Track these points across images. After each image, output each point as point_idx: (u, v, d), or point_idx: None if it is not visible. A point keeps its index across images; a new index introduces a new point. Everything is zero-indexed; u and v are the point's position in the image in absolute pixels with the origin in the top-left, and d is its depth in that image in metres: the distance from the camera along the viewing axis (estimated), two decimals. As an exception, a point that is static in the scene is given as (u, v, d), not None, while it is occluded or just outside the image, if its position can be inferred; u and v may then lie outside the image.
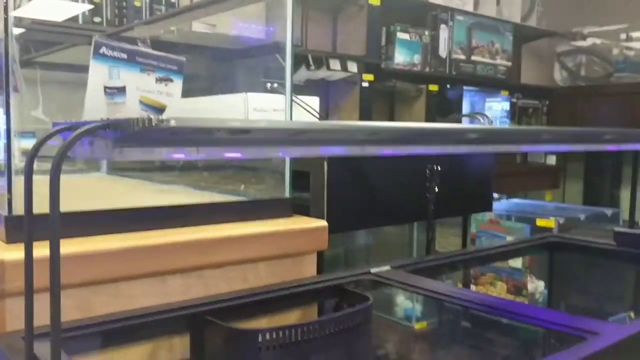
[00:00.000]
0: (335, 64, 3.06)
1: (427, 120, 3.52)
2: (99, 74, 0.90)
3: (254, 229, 0.99)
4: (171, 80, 0.99)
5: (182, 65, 1.01)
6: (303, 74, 3.06)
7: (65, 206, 0.98)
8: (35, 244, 0.85)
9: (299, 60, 2.93)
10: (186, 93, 2.60)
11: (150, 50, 0.96)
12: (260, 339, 0.82)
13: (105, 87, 0.91)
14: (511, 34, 3.80)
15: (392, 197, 1.26)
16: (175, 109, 1.01)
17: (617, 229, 1.36)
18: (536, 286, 2.67)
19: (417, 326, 1.43)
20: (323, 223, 1.07)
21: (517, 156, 4.53)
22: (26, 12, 2.19)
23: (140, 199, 1.19)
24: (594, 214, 2.74)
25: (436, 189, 1.19)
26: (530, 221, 2.54)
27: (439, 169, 1.19)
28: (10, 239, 0.84)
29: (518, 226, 2.60)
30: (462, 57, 3.60)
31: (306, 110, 1.87)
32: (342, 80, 3.22)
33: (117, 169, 1.78)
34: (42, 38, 2.30)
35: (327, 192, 1.15)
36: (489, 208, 1.58)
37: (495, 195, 3.33)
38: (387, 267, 1.10)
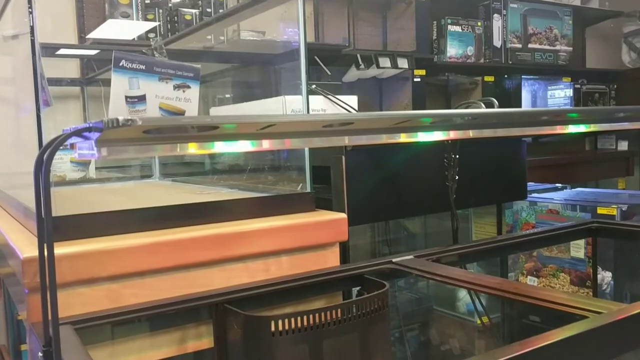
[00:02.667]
0: (385, 62, 3.08)
1: (484, 112, 3.46)
2: (120, 84, 0.98)
3: (273, 222, 1.04)
4: (188, 87, 1.06)
5: (198, 72, 1.08)
6: (354, 73, 3.09)
7: (105, 206, 1.07)
8: (71, 243, 0.94)
9: (349, 60, 2.97)
10: (235, 99, 2.70)
11: (167, 60, 1.03)
12: (273, 325, 0.87)
13: (127, 97, 0.99)
14: (570, 18, 3.67)
15: (413, 187, 1.28)
16: (193, 112, 1.07)
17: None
18: (603, 277, 2.57)
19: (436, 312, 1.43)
20: (342, 215, 1.10)
21: (586, 143, 4.36)
22: (99, 33, 2.35)
23: (174, 199, 1.27)
24: (662, 200, 2.61)
25: (456, 178, 1.20)
26: (591, 210, 2.46)
27: (457, 157, 1.20)
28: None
29: (578, 215, 2.51)
30: (518, 45, 3.51)
31: (345, 109, 1.91)
32: (393, 77, 3.23)
33: (169, 174, 1.89)
34: (104, 57, 2.46)
35: (347, 185, 1.18)
36: (523, 197, 1.56)
37: (559, 185, 3.24)
38: (410, 257, 1.12)
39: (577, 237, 1.45)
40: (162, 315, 0.90)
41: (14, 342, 2.07)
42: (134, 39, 2.41)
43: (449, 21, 3.32)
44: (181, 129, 0.55)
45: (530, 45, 3.57)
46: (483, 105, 1.20)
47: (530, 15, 3.56)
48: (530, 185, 3.24)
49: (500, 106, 3.81)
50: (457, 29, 3.37)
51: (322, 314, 0.90)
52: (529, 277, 2.68)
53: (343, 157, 1.16)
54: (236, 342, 0.91)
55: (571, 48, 3.72)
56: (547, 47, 3.64)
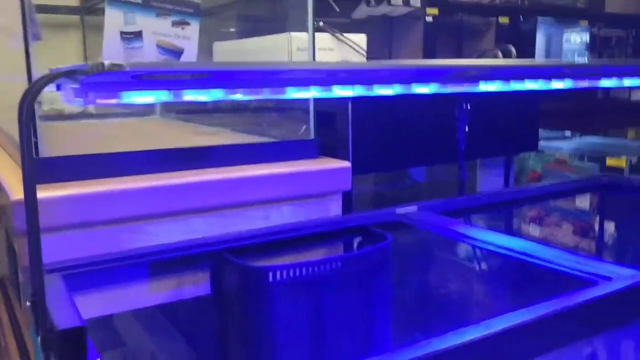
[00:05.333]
0: (396, -1, 2.96)
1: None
2: (114, 19, 0.93)
3: (274, 169, 1.01)
4: (188, 24, 1.00)
5: (198, 7, 1.02)
6: (364, 9, 2.98)
7: (100, 148, 1.04)
8: (68, 184, 0.91)
9: (355, -4, 2.85)
10: (241, 34, 2.61)
11: None
12: (270, 276, 0.85)
13: (122, 33, 0.93)
14: (593, -42, 3.51)
15: (421, 137, 1.23)
16: (192, 51, 1.02)
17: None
18: (609, 232, 2.56)
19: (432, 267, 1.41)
20: (346, 164, 1.07)
21: (598, 92, 4.26)
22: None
23: (172, 141, 1.23)
24: (674, 152, 2.56)
25: (466, 129, 1.16)
26: (600, 160, 2.42)
27: (469, 107, 1.15)
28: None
29: (586, 165, 2.48)
30: (536, -15, 3.37)
31: (353, 49, 1.83)
32: (404, 15, 3.11)
33: (171, 111, 1.84)
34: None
35: (352, 133, 1.14)
36: (534, 148, 1.51)
37: (568, 133, 3.18)
38: (413, 208, 1.09)
39: (589, 192, 1.41)
40: (157, 262, 0.88)
41: (17, 275, 2.08)
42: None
43: (465, -42, 3.16)
44: (172, 76, 0.51)
45: (548, -14, 3.42)
46: (500, 54, 1.14)
47: (551, -46, 3.40)
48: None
49: (515, 48, 3.69)
50: (474, -34, 3.22)
51: (322, 265, 0.88)
52: (531, 224, 2.67)
53: (349, 104, 1.12)
54: (233, 292, 0.89)
55: (591, -10, 3.57)
56: (565, -12, 3.49)
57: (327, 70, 0.72)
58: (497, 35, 3.34)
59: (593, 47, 3.70)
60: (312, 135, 1.09)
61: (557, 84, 0.94)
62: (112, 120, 1.67)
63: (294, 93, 0.68)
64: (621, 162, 2.30)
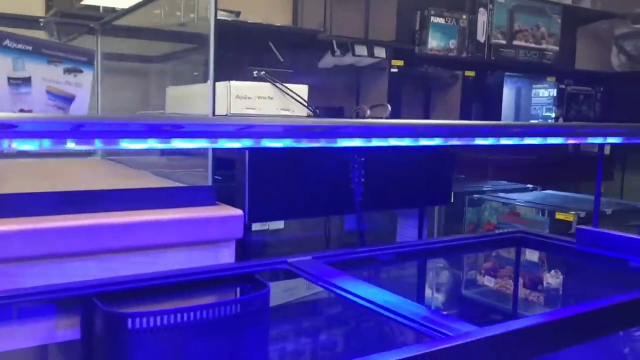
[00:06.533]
0: (361, 50, 3.04)
1: (462, 107, 3.42)
2: (2, 65, 0.96)
3: (160, 215, 1.02)
4: (80, 71, 1.03)
5: (92, 56, 1.05)
6: (329, 59, 3.05)
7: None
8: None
9: (325, 46, 2.92)
10: (195, 79, 2.65)
11: (57, 42, 1.00)
12: (129, 323, 0.85)
13: (9, 78, 0.97)
14: (559, 16, 3.61)
15: (319, 187, 1.25)
16: (84, 98, 1.05)
17: (579, 227, 1.29)
18: (554, 281, 2.56)
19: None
20: (238, 212, 1.08)
21: (569, 145, 4.31)
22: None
23: (79, 183, 1.25)
24: (627, 208, 2.58)
25: (362, 180, 1.18)
26: (550, 214, 2.44)
27: (362, 159, 1.17)
28: None
29: (538, 218, 2.49)
30: (503, 41, 3.45)
31: (295, 100, 1.87)
32: (371, 66, 3.18)
33: (112, 153, 1.87)
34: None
35: (249, 180, 1.16)
36: (446, 201, 1.53)
37: (530, 185, 3.20)
38: (308, 257, 1.10)
39: (501, 247, 1.42)
40: (26, 304, 0.89)
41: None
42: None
43: (432, 12, 3.25)
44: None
45: (515, 42, 3.51)
46: (389, 108, 1.18)
47: (517, 12, 3.50)
48: (501, 184, 3.22)
49: (481, 103, 3.75)
50: (441, 20, 3.31)
51: (186, 313, 0.88)
52: (486, 276, 2.67)
53: (247, 152, 1.14)
54: (98, 337, 0.89)
55: (558, 47, 3.66)
56: (532, 45, 3.58)
57: (214, 124, 0.74)
58: (463, 87, 3.41)
59: (560, 102, 3.77)
60: (209, 182, 1.11)
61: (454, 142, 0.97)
62: (46, 160, 1.69)
63: (179, 143, 0.71)
64: (569, 217, 2.32)
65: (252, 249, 1.92)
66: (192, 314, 0.88)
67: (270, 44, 1.93)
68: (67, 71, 1.01)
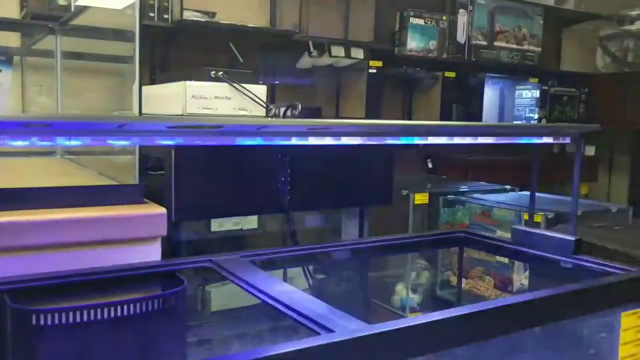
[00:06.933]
0: (338, 51, 3.04)
1: (443, 107, 3.42)
2: None
3: (79, 213, 1.03)
4: (-1, 70, 1.05)
5: (11, 55, 1.07)
6: (307, 60, 3.06)
7: None
8: None
9: (300, 46, 2.93)
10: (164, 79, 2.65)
11: None
12: (34, 319, 0.86)
13: None
14: (541, 17, 3.60)
15: (247, 186, 1.26)
16: (3, 96, 1.06)
17: (515, 227, 1.30)
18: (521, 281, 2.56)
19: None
20: (161, 210, 1.09)
21: (555, 146, 4.30)
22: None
23: (21, 180, 1.27)
24: (598, 209, 2.58)
25: (288, 179, 1.18)
26: (519, 215, 2.44)
27: (287, 159, 1.18)
28: None
29: (508, 219, 2.49)
30: (484, 42, 3.45)
31: (252, 99, 1.88)
32: (350, 66, 3.19)
33: (71, 152, 1.88)
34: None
35: (175, 179, 1.17)
36: (388, 201, 1.53)
37: (508, 186, 3.20)
38: (234, 256, 1.11)
39: (446, 246, 1.43)
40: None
41: None
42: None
43: (412, 13, 3.26)
44: None
45: (496, 43, 3.51)
46: (300, 106, 1.19)
47: (498, 13, 3.50)
48: (480, 185, 3.21)
49: (462, 103, 3.73)
50: (420, 21, 3.31)
51: (93, 310, 0.89)
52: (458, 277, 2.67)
53: (172, 151, 1.15)
54: (8, 334, 0.90)
55: (540, 48, 3.65)
56: (514, 46, 3.58)
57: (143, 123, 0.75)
58: (443, 88, 3.41)
59: (544, 103, 3.76)
60: (136, 180, 1.12)
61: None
62: (5, 159, 1.71)
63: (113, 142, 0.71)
64: (538, 217, 2.32)
65: (214, 248, 1.93)
66: (100, 311, 0.89)
67: (231, 44, 1.94)
68: (-14, 71, 1.03)
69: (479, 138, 1.08)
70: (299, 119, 1.02)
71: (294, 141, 0.92)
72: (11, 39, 2.63)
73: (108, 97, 2.17)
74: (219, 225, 2.15)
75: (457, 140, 1.06)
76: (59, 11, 2.44)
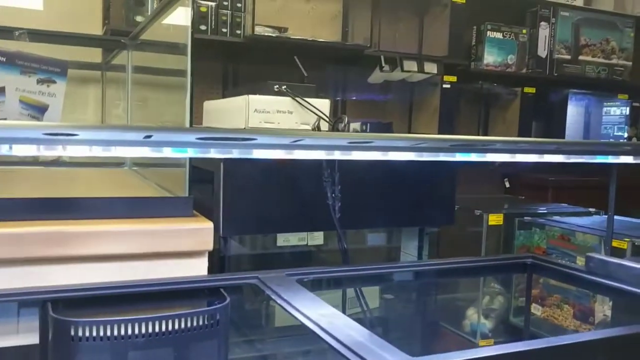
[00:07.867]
0: (411, 65, 2.98)
1: (521, 124, 3.26)
2: (-23, 76, 1.00)
3: (128, 225, 1.03)
4: (54, 82, 1.06)
5: (65, 67, 1.08)
6: (378, 75, 3.01)
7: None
8: None
9: (372, 61, 2.89)
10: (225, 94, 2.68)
11: (31, 54, 1.04)
12: (73, 330, 0.86)
13: (-18, 88, 1.01)
14: (632, 29, 3.38)
15: (296, 201, 1.22)
16: (57, 107, 1.08)
17: (589, 254, 1.18)
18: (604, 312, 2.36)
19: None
20: (208, 224, 1.07)
21: (646, 168, 4.00)
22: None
23: (77, 190, 1.29)
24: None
25: (338, 195, 1.13)
26: (602, 240, 2.26)
27: (337, 174, 1.13)
28: None
29: (590, 244, 2.32)
30: (567, 56, 3.28)
31: (315, 114, 1.86)
32: (424, 81, 3.12)
33: (137, 163, 1.92)
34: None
35: (223, 193, 1.14)
36: (450, 221, 1.44)
37: (592, 209, 2.99)
38: (281, 274, 1.07)
39: (510, 272, 1.33)
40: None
41: None
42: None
43: (489, 27, 3.15)
44: None
45: (581, 57, 3.32)
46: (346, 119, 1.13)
47: (583, 25, 3.31)
48: (561, 207, 3.03)
49: (542, 120, 3.57)
50: (498, 35, 3.19)
51: (131, 324, 0.88)
52: (533, 304, 2.51)
53: (221, 164, 1.13)
54: (50, 343, 0.91)
55: (630, 63, 3.42)
56: (601, 60, 3.37)
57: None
58: (522, 104, 3.26)
59: (634, 121, 3.51)
60: (186, 193, 1.11)
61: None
62: (71, 170, 1.75)
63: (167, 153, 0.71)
64: (623, 244, 2.14)
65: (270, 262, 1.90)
66: (137, 325, 0.88)
67: (295, 58, 1.92)
68: (41, 82, 1.05)
69: (545, 156, 0.99)
70: (336, 132, 0.98)
71: (337, 155, 0.87)
72: (93, 55, 2.76)
73: (174, 111, 2.21)
74: (284, 240, 2.13)
75: (519, 157, 0.98)
76: (135, 27, 2.54)
